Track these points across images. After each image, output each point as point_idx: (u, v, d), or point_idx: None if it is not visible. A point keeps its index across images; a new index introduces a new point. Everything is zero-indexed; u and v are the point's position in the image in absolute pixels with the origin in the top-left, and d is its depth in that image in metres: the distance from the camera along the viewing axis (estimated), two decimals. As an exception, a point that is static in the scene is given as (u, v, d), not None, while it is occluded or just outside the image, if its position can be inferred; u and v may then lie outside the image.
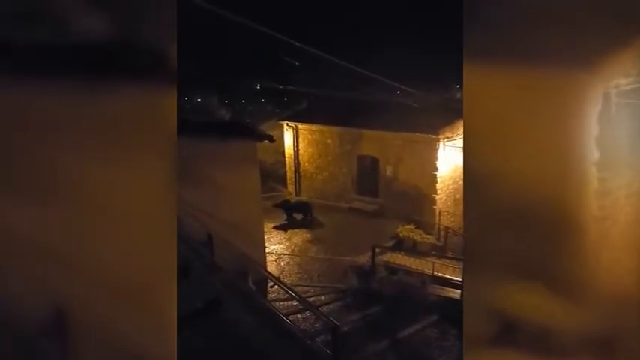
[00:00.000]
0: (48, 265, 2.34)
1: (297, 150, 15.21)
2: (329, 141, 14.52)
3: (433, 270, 8.11)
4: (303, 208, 12.09)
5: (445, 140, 11.79)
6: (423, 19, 21.55)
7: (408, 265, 8.72)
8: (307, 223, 11.80)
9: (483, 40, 2.44)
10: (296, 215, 11.97)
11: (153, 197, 2.32)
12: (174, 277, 2.38)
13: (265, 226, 9.29)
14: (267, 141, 7.79)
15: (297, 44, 5.37)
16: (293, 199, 12.98)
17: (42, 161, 2.28)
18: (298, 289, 7.20)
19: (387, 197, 13.19)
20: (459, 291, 7.26)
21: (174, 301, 2.35)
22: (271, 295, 7.09)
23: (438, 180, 11.97)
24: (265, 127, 13.24)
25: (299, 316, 6.42)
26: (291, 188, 15.54)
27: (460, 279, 7.55)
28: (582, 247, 2.79)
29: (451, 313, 6.62)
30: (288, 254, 9.92)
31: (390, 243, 10.48)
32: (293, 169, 15.35)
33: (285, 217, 11.93)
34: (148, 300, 2.37)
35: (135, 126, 2.27)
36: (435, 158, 11.85)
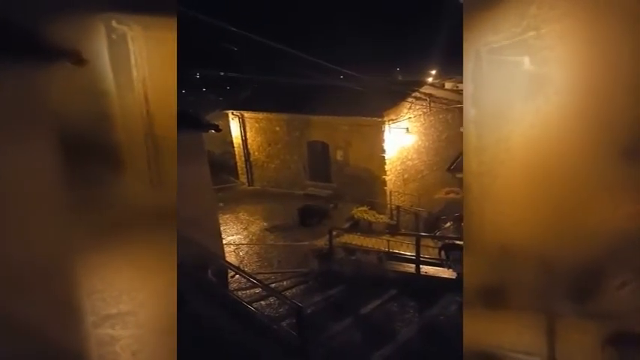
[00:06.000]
0: None
1: (246, 139, 14.92)
2: (277, 128, 14.38)
3: (388, 248, 8.42)
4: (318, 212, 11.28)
5: (390, 122, 12.14)
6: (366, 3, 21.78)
7: (364, 244, 8.98)
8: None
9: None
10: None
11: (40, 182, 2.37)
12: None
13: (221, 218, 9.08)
14: (213, 130, 7.55)
15: (234, 30, 5.24)
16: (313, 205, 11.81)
17: None
18: (260, 276, 7.17)
19: (339, 181, 13.40)
20: (413, 265, 7.60)
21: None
22: (233, 286, 7.00)
23: (387, 161, 12.33)
24: (210, 117, 12.81)
25: (263, 302, 6.41)
26: (243, 178, 15.27)
27: (414, 254, 7.91)
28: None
29: (408, 286, 6.93)
30: (247, 244, 9.81)
31: (346, 225, 10.71)
32: (243, 158, 15.06)
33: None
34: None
35: (14, 109, 2.22)
36: (382, 140, 12.17)
